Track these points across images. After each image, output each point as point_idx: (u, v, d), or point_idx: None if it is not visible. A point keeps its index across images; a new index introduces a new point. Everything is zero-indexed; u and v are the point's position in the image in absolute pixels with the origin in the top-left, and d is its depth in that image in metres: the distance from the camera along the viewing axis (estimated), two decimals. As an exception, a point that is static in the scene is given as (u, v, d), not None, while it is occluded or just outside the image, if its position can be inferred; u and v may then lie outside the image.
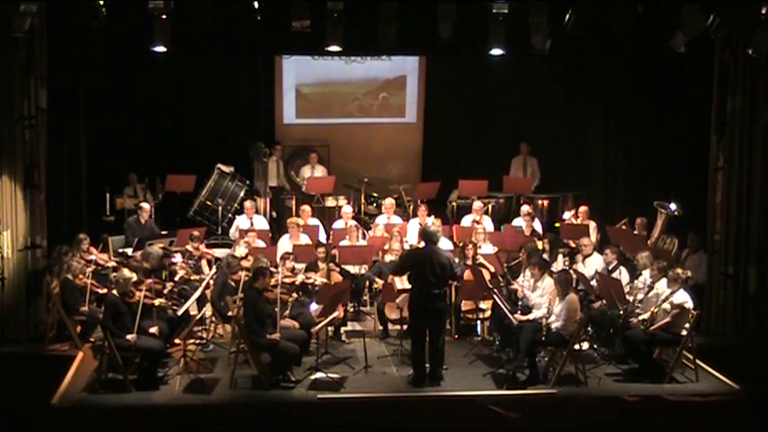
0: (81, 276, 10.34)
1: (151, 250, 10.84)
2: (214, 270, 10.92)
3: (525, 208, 12.93)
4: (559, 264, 11.36)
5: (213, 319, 10.80)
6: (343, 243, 12.00)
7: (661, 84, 13.16)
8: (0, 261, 10.47)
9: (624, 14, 10.70)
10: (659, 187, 13.06)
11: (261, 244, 11.83)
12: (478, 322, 10.99)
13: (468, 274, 10.73)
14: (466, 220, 12.91)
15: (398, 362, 10.14)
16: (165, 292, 10.10)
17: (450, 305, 10.67)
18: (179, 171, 13.78)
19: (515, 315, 9.79)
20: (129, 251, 11.88)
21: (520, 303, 10.27)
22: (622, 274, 10.75)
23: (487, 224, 12.69)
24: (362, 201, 14.37)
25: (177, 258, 11.15)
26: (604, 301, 10.35)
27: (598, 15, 10.81)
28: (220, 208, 13.77)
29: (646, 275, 10.33)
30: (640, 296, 10.13)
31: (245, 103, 15.35)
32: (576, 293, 9.87)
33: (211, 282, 10.52)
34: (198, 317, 10.23)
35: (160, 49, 10.83)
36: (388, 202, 13.22)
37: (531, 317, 9.83)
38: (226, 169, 14.13)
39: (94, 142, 13.72)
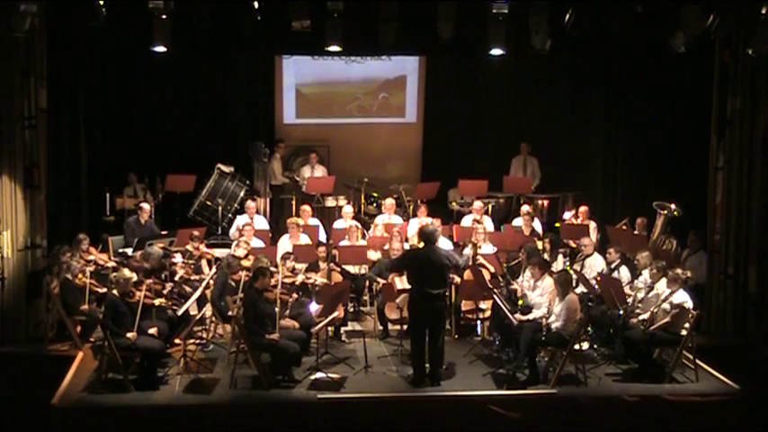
0: (80, 276, 10.33)
1: (151, 250, 10.85)
2: (214, 270, 10.92)
3: (525, 208, 12.93)
4: (559, 264, 11.36)
5: (213, 319, 10.80)
6: (343, 243, 12.01)
7: (661, 84, 13.16)
8: (0, 261, 10.47)
9: (624, 14, 10.71)
10: (659, 187, 13.06)
11: (260, 243, 11.83)
12: (478, 322, 10.99)
13: (468, 274, 10.74)
14: (466, 220, 12.91)
15: (398, 362, 10.14)
16: (165, 292, 10.10)
17: (451, 305, 10.68)
18: (179, 171, 13.78)
19: (515, 315, 9.80)
20: (129, 251, 11.88)
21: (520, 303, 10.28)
22: (622, 274, 10.75)
23: (487, 224, 12.69)
24: (362, 201, 14.37)
25: (177, 258, 11.15)
26: (603, 306, 10.38)
27: (598, 15, 10.82)
28: (220, 208, 13.76)
29: (646, 275, 10.34)
30: (640, 296, 10.13)
31: (245, 103, 15.34)
32: (575, 294, 9.88)
33: (211, 282, 10.52)
34: (198, 317, 10.22)
35: (160, 49, 10.83)
36: (388, 202, 13.22)
37: (530, 317, 9.83)
38: (226, 169, 14.13)
39: (94, 142, 13.72)
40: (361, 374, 9.82)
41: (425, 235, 9.67)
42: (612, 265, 10.91)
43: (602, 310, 10.42)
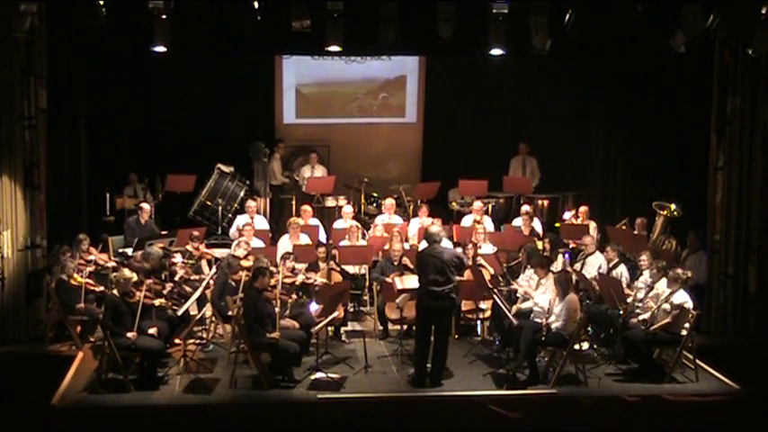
0: (75, 276, 10.31)
1: (151, 250, 10.84)
2: (214, 270, 10.92)
3: (525, 208, 12.93)
4: (559, 264, 11.36)
5: (213, 319, 10.80)
6: (343, 243, 12.01)
7: (661, 84, 13.16)
8: (0, 261, 10.47)
9: (624, 14, 10.71)
10: (659, 187, 13.06)
11: (260, 243, 11.83)
12: (478, 322, 10.99)
13: (468, 274, 10.73)
14: (466, 220, 12.91)
15: (398, 362, 10.14)
16: (165, 292, 10.09)
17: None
18: (179, 171, 13.78)
19: (512, 284, 10.00)
20: (129, 251, 11.88)
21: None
22: (623, 274, 10.75)
23: (487, 224, 12.69)
24: (362, 201, 14.37)
25: (177, 258, 11.15)
26: (603, 306, 10.38)
27: (598, 15, 10.82)
28: (220, 208, 13.77)
29: (646, 275, 10.34)
30: (640, 296, 10.13)
31: (245, 103, 15.33)
32: (576, 293, 9.89)
33: (211, 282, 10.52)
34: (198, 317, 10.23)
35: (160, 49, 10.84)
36: (389, 202, 13.23)
37: (532, 298, 9.94)
38: (226, 169, 14.14)
39: (94, 142, 13.72)
40: (361, 374, 9.81)
41: (428, 236, 9.68)
42: (611, 264, 10.91)
43: (602, 310, 10.43)
